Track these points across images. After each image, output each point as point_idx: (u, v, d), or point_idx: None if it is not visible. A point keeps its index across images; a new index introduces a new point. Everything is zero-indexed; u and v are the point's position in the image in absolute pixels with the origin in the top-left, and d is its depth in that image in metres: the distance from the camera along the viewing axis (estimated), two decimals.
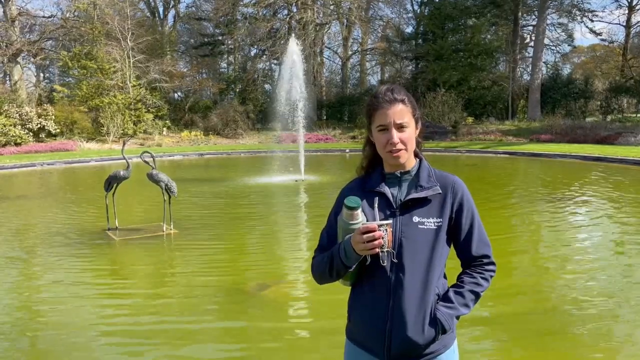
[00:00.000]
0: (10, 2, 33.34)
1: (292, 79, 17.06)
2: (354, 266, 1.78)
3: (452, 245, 1.91)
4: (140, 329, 4.55)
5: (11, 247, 7.69)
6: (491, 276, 1.89)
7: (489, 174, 16.36)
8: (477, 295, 1.84)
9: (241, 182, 14.76)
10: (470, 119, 34.16)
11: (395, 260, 1.77)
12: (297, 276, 6.02)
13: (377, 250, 1.69)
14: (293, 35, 19.33)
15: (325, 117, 39.51)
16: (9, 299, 5.39)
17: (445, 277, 1.89)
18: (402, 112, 1.80)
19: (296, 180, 14.42)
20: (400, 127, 1.80)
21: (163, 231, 8.05)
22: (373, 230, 1.66)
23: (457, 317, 1.83)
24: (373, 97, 1.86)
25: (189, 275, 6.14)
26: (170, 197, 8.10)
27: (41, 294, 5.58)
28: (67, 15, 35.13)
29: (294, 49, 17.52)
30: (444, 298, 1.82)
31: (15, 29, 33.71)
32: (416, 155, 1.91)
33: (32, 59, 38.04)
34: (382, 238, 1.68)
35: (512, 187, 13.10)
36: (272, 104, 19.55)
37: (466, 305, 1.82)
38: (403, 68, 42.22)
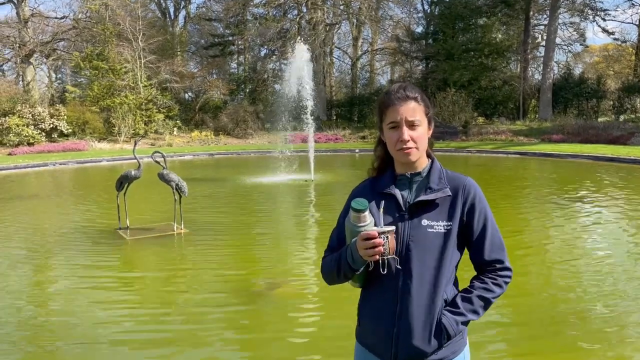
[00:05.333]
0: (23, 4, 33.69)
1: (301, 80, 17.08)
2: (362, 269, 1.76)
3: (464, 250, 1.86)
4: (149, 327, 4.58)
5: (23, 245, 7.78)
6: (505, 282, 1.80)
7: (499, 175, 16.26)
8: (487, 302, 1.77)
9: (251, 182, 14.80)
10: (480, 119, 33.97)
11: (399, 267, 1.73)
12: (306, 276, 6.02)
13: (378, 257, 1.67)
14: (299, 38, 19.34)
15: (334, 117, 39.47)
16: (21, 296, 5.45)
17: (456, 283, 1.85)
18: (414, 110, 1.76)
19: (306, 180, 14.44)
20: (412, 125, 1.76)
21: (173, 230, 8.10)
22: (373, 237, 1.64)
23: (465, 324, 1.77)
24: (385, 94, 1.82)
25: (198, 274, 6.17)
26: (180, 196, 8.14)
27: (52, 292, 5.64)
28: (79, 16, 35.41)
29: (302, 50, 17.53)
30: (451, 303, 1.77)
31: (28, 30, 34.06)
32: (428, 155, 1.87)
33: (44, 60, 38.46)
34: (383, 245, 1.65)
35: (523, 188, 13.01)
36: (282, 104, 19.58)
37: (474, 312, 1.76)
38: (413, 68, 42.04)
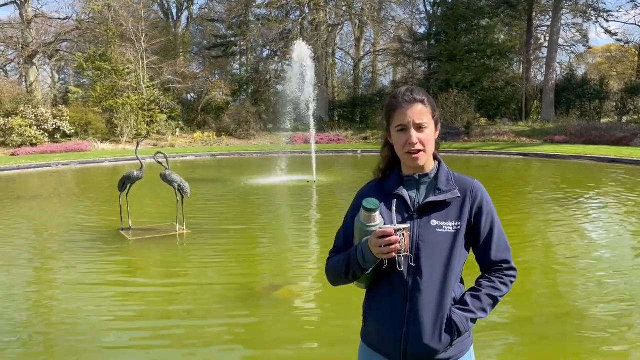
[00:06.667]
0: (26, 5, 33.78)
1: (303, 81, 17.08)
2: (371, 269, 1.76)
3: (470, 250, 1.88)
4: (151, 327, 4.57)
5: (25, 246, 7.79)
6: (511, 281, 1.85)
7: (502, 176, 16.24)
8: (494, 300, 1.81)
9: (253, 183, 14.81)
10: (483, 120, 33.93)
11: (413, 264, 1.74)
12: (309, 277, 6.02)
13: (394, 254, 1.68)
14: (300, 39, 19.41)
15: (337, 118, 39.47)
16: (24, 296, 5.46)
17: (462, 282, 1.87)
18: (421, 113, 1.78)
19: (308, 181, 14.43)
20: (420, 128, 1.78)
21: (176, 231, 8.10)
22: (390, 235, 1.64)
23: (474, 321, 1.80)
24: (392, 97, 1.84)
25: (200, 275, 6.17)
26: (183, 197, 8.14)
27: (55, 292, 5.64)
28: (82, 17, 35.48)
29: (304, 50, 17.53)
30: (460, 301, 1.80)
31: (32, 30, 34.15)
32: (435, 157, 1.88)
33: (47, 61, 38.54)
34: (399, 243, 1.66)
35: (526, 189, 12.99)
36: (284, 105, 19.61)
37: (483, 309, 1.79)
38: (415, 69, 42.04)
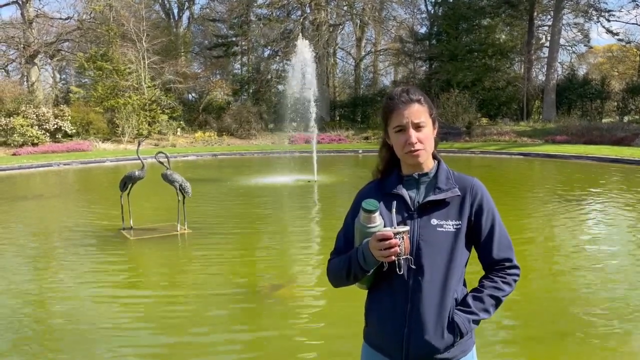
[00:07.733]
0: (27, 5, 33.82)
1: (304, 80, 17.09)
2: (372, 270, 1.76)
3: (472, 249, 1.87)
4: (152, 328, 4.58)
5: (27, 246, 7.80)
6: (514, 280, 1.83)
7: (503, 176, 16.23)
8: (497, 300, 1.80)
9: (254, 183, 14.81)
10: (484, 120, 33.90)
11: (413, 266, 1.74)
12: (310, 277, 6.02)
13: (394, 257, 1.67)
14: (301, 37, 19.42)
15: (338, 118, 39.47)
16: (25, 295, 5.46)
17: (465, 284, 1.86)
18: (418, 112, 1.79)
19: (309, 181, 14.44)
20: (418, 127, 1.78)
21: (177, 231, 8.11)
22: (389, 238, 1.63)
23: (476, 322, 1.79)
24: (388, 98, 1.84)
25: (202, 274, 6.18)
26: (184, 197, 8.15)
27: (56, 292, 5.64)
28: (83, 17, 35.52)
29: (305, 50, 17.53)
30: (462, 303, 1.79)
31: (33, 30, 34.18)
32: (434, 157, 1.88)
33: (49, 61, 38.57)
34: (399, 246, 1.65)
35: (527, 189, 12.98)
36: (285, 104, 19.64)
37: (485, 310, 1.79)
38: (416, 69, 42.00)
